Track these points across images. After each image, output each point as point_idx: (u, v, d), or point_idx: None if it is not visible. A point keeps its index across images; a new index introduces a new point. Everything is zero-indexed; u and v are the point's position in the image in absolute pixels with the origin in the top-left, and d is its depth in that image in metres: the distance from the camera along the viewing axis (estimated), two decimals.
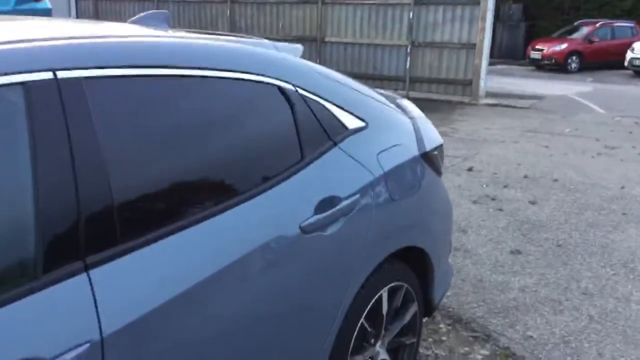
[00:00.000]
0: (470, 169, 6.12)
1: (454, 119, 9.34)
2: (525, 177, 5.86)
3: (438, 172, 2.40)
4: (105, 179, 1.24)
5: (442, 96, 11.39)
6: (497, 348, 2.82)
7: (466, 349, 2.81)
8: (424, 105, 3.55)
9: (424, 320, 2.72)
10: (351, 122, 1.98)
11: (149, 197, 1.37)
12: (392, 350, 2.28)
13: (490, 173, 5.99)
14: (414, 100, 2.81)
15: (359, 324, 1.96)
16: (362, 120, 2.04)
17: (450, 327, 2.99)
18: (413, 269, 2.29)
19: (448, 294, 3.31)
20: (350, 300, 1.88)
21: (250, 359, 1.55)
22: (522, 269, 3.70)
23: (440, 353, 2.77)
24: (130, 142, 1.33)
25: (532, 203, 5.03)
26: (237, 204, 1.52)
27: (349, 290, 1.86)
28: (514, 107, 10.63)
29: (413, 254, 2.26)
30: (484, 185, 5.54)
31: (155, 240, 1.32)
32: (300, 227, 1.65)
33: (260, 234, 1.55)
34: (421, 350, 2.74)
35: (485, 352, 2.79)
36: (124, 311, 1.22)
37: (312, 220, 1.68)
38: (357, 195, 1.87)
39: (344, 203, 1.80)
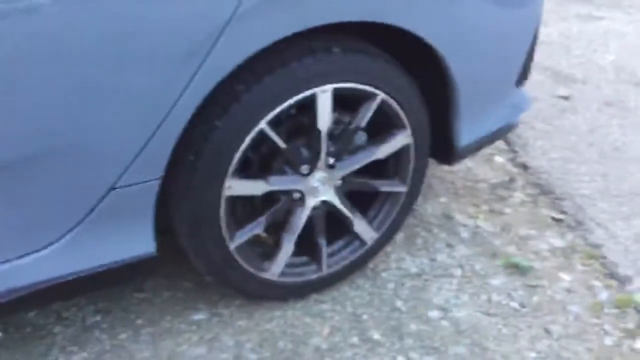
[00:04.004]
0: None
1: None
2: None
3: None
4: None
5: None
6: (580, 243, 1.97)
7: (532, 231, 2.00)
8: None
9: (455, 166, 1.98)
10: None
11: None
12: (356, 194, 1.59)
13: None
14: None
15: (255, 130, 1.28)
16: None
17: (528, 199, 2.17)
18: (413, 75, 1.48)
19: (551, 144, 2.41)
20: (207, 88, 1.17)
21: None
22: None
23: (485, 229, 2.00)
24: None
25: None
26: None
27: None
28: None
29: (412, 47, 1.41)
30: None
31: None
32: None
33: None
34: (458, 217, 2.02)
35: (558, 242, 1.96)
36: None
37: None
38: None
39: None
